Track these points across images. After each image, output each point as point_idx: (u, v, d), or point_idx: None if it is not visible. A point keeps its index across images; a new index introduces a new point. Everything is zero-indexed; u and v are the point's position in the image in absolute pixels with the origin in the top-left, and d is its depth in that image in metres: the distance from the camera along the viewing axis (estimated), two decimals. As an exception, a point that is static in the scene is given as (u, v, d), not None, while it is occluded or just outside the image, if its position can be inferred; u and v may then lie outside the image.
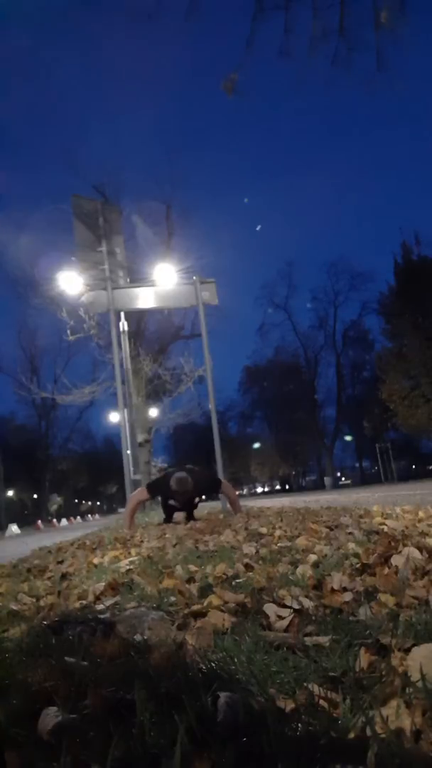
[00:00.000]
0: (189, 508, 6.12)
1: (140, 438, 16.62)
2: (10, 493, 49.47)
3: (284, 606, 1.30)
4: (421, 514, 3.25)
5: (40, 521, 28.81)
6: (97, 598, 1.81)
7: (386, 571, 1.54)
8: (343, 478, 53.58)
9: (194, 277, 8.98)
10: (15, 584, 2.54)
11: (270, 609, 1.28)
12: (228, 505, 6.85)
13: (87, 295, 8.68)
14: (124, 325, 9.80)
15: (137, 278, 13.00)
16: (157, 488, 5.89)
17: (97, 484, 61.99)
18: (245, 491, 59.27)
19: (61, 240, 16.46)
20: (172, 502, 5.86)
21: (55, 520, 33.99)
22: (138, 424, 15.86)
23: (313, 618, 1.22)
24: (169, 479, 5.55)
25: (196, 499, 6.00)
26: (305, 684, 0.83)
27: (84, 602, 1.78)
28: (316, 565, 1.84)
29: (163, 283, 9.12)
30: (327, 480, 40.96)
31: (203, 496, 6.59)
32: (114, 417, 19.34)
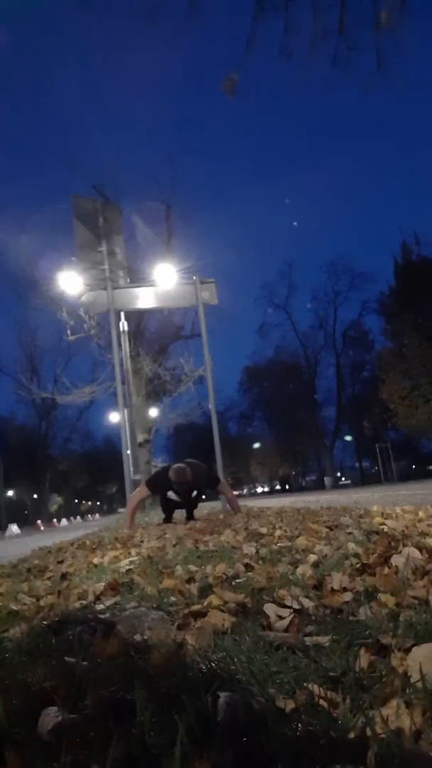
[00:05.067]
0: (189, 504, 6.11)
1: (140, 438, 16.63)
2: (10, 493, 49.50)
3: (284, 606, 1.30)
4: (421, 514, 3.25)
5: (40, 521, 28.80)
6: (97, 598, 1.81)
7: (386, 571, 1.54)
8: (343, 478, 53.57)
9: (194, 277, 8.98)
10: (15, 584, 2.54)
11: (270, 609, 1.28)
12: (228, 506, 6.85)
13: (87, 295, 8.68)
14: (124, 325, 9.79)
15: (137, 278, 13.02)
16: (156, 482, 5.89)
17: (97, 484, 62.01)
18: (245, 491, 59.27)
19: (61, 240, 16.52)
20: (171, 494, 5.83)
21: (55, 520, 33.99)
22: (138, 424, 15.85)
23: (313, 618, 1.22)
24: (167, 472, 5.57)
25: (194, 493, 5.98)
26: (305, 684, 0.83)
27: (84, 602, 1.78)
28: (316, 565, 1.84)
29: (163, 283, 9.12)
30: (327, 480, 40.97)
31: (203, 495, 6.58)
32: (114, 417, 19.35)
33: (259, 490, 63.00)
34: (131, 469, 8.47)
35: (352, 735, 0.66)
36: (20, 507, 52.97)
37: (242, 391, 49.49)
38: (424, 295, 25.94)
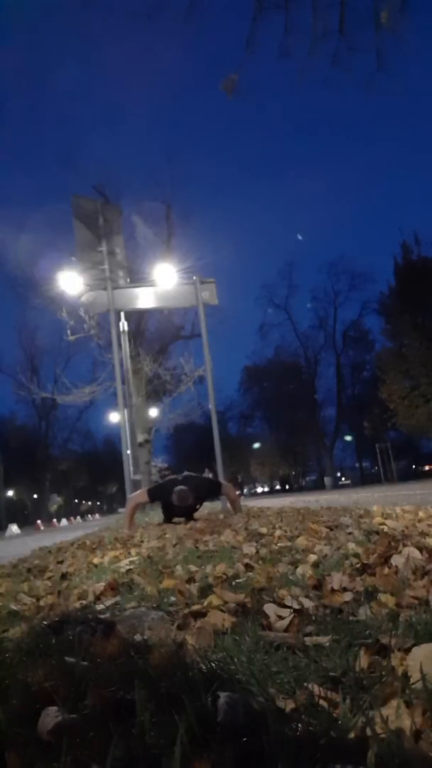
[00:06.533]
0: (189, 513, 6.16)
1: (140, 438, 16.61)
2: (10, 493, 49.48)
3: (284, 606, 1.30)
4: (421, 514, 3.25)
5: (40, 521, 28.79)
6: (97, 598, 1.81)
7: (386, 571, 1.54)
8: (343, 478, 53.54)
9: (194, 277, 8.97)
10: (15, 584, 2.54)
11: (270, 609, 1.28)
12: (228, 505, 6.85)
13: (87, 295, 8.68)
14: (124, 325, 9.79)
15: (137, 278, 13.00)
16: (157, 495, 5.91)
17: (97, 484, 61.97)
18: (245, 491, 59.26)
19: (61, 240, 16.51)
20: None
21: (55, 520, 33.99)
22: (138, 424, 15.84)
23: (313, 618, 1.22)
24: (170, 488, 5.58)
25: (198, 506, 6.04)
26: (305, 684, 0.83)
27: (84, 602, 1.78)
28: (316, 565, 1.84)
29: (163, 283, 9.12)
30: (327, 480, 40.95)
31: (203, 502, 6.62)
32: (114, 417, 19.34)
33: (259, 490, 62.98)
34: (131, 469, 8.47)
35: (352, 735, 0.66)
36: (20, 507, 52.95)
37: (242, 391, 49.51)
38: (424, 295, 25.90)
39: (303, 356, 44.91)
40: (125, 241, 10.18)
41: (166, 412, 18.03)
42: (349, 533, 2.64)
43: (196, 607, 1.41)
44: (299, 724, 0.70)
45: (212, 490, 6.25)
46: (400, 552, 1.70)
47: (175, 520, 6.12)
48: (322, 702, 0.76)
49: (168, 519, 6.21)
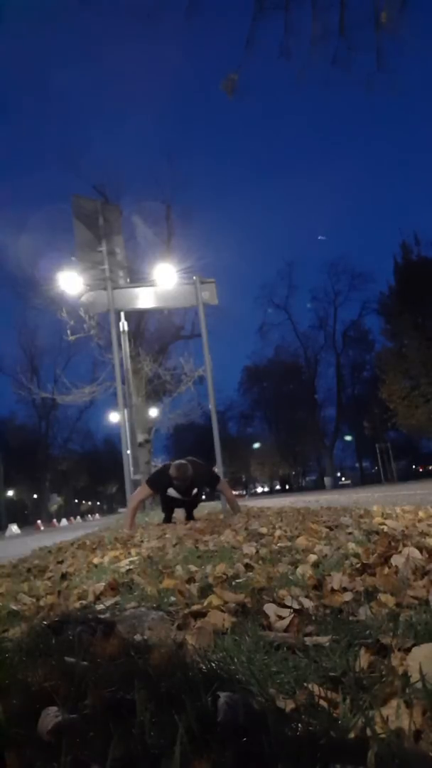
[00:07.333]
0: (189, 503, 6.13)
1: (140, 438, 16.61)
2: (10, 493, 49.50)
3: (284, 606, 1.30)
4: (421, 514, 3.25)
5: (40, 521, 28.80)
6: (97, 598, 1.81)
7: (386, 571, 1.54)
8: (343, 478, 53.56)
9: (194, 277, 8.96)
10: (15, 584, 2.54)
11: (270, 609, 1.28)
12: (228, 505, 6.86)
13: (87, 295, 8.67)
14: (124, 325, 9.78)
15: (137, 278, 13.02)
16: (157, 480, 5.91)
17: (97, 484, 62.01)
18: (245, 492, 59.29)
19: (61, 240, 16.53)
20: (171, 491, 5.84)
21: (55, 520, 34.00)
22: (138, 424, 15.84)
23: (313, 618, 1.22)
24: (168, 469, 5.60)
25: (194, 490, 5.99)
26: (305, 684, 0.83)
27: (84, 602, 1.78)
28: (316, 565, 1.84)
29: (163, 283, 9.11)
30: (327, 480, 40.97)
31: (203, 495, 6.59)
32: (114, 417, 19.35)
33: (259, 490, 63.00)
34: (131, 469, 8.46)
35: (352, 735, 0.66)
36: (20, 507, 52.98)
37: (242, 391, 49.55)
38: (424, 295, 25.92)
39: (303, 356, 45.02)
40: (125, 241, 10.18)
41: (166, 412, 18.04)
42: (349, 533, 2.64)
43: (196, 607, 1.41)
44: (299, 724, 0.70)
45: (210, 481, 6.24)
46: (400, 552, 1.70)
47: (175, 519, 6.12)
48: (322, 702, 0.76)
49: (168, 514, 6.21)
